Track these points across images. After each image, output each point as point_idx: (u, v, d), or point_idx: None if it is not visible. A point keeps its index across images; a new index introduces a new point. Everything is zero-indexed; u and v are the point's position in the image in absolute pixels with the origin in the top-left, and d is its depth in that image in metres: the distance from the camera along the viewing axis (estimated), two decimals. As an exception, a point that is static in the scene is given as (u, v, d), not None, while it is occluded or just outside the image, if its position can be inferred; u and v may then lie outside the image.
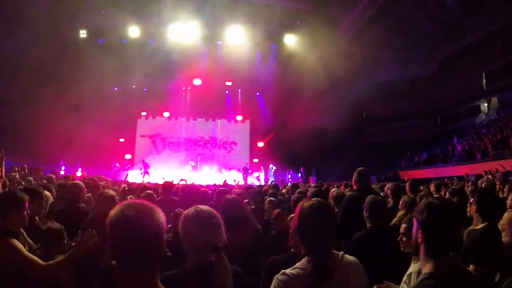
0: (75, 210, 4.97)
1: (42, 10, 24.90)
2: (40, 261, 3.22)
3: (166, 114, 29.68)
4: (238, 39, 25.59)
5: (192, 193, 6.00)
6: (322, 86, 23.96)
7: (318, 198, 2.55)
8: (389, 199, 6.84)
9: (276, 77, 28.10)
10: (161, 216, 1.71)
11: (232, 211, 3.86)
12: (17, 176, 8.68)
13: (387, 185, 8.30)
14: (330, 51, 24.25)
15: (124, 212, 1.65)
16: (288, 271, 2.28)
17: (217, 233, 2.36)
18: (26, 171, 11.56)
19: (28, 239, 3.67)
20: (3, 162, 5.83)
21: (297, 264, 2.33)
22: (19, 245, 3.23)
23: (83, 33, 25.74)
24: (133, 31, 25.28)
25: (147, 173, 24.23)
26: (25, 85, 25.26)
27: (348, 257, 2.44)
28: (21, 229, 3.51)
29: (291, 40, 26.13)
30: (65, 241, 3.71)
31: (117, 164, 25.39)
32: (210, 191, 8.26)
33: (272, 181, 16.97)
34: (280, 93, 28.08)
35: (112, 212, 1.67)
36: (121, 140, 28.44)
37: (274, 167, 25.87)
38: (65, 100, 23.68)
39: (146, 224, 1.64)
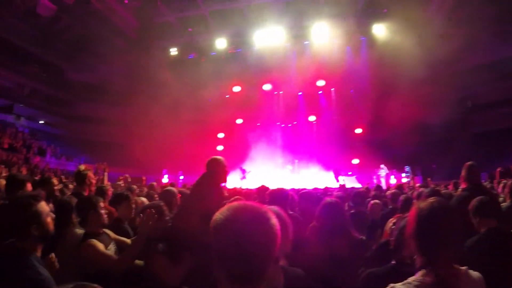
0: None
1: (134, 37, 26.86)
2: (114, 256, 3.46)
3: (260, 120, 29.75)
4: (325, 36, 25.16)
5: (279, 196, 5.64)
6: (419, 74, 22.44)
7: (437, 197, 2.16)
8: (504, 197, 5.82)
9: (369, 71, 26.99)
10: (276, 221, 1.46)
11: (327, 218, 3.68)
12: (122, 185, 9.16)
13: (503, 182, 7.06)
14: (423, 35, 22.91)
15: (234, 215, 1.41)
16: (398, 286, 1.96)
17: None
18: (129, 180, 12.12)
19: (117, 236, 3.95)
20: (106, 173, 6.92)
21: (411, 279, 1.98)
22: (99, 244, 3.43)
23: (173, 51, 27.07)
24: (221, 43, 26.10)
25: (245, 177, 24.38)
26: (128, 105, 27.75)
27: (473, 273, 2.05)
28: (105, 230, 3.80)
29: (380, 30, 25.02)
30: None
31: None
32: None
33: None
34: (375, 88, 26.87)
35: (219, 214, 1.44)
36: (219, 148, 28.97)
37: (385, 168, 24.19)
38: (165, 114, 25.47)
39: (260, 230, 1.40)
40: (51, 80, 34.14)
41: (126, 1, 26.42)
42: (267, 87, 28.76)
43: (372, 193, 7.73)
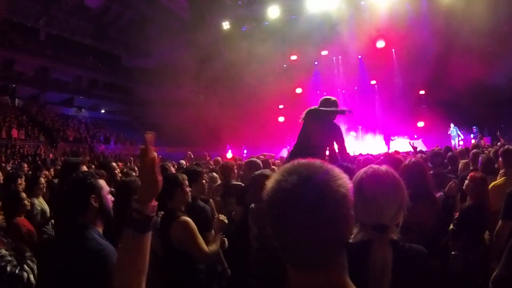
0: (230, 186, 5.11)
1: (185, 16, 26.79)
2: (206, 247, 3.30)
3: (320, 88, 28.89)
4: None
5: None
6: (485, 30, 20.83)
7: None
8: None
9: (430, 29, 25.41)
10: (348, 182, 1.06)
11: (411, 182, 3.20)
12: (186, 163, 9.12)
13: None
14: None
15: (300, 175, 1.03)
16: None
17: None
18: (192, 157, 12.17)
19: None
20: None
21: None
22: (194, 225, 3.29)
23: (226, 25, 26.72)
24: (273, 11, 25.41)
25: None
26: (186, 86, 28.02)
27: None
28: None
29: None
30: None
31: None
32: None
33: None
34: (437, 46, 25.29)
35: (274, 180, 1.07)
36: (281, 119, 28.69)
37: (456, 128, 22.93)
38: (224, 90, 25.60)
39: (328, 196, 1.01)
40: (108, 69, 35.00)
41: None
42: (324, 53, 27.50)
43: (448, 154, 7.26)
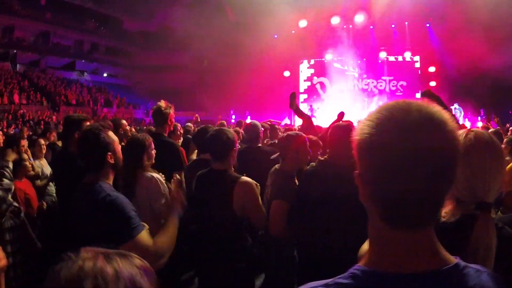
0: (255, 149, 4.84)
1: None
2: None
3: (329, 56, 28.22)
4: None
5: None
6: (501, 13, 20.11)
7: None
8: None
9: (446, 4, 24.48)
10: (455, 127, 0.89)
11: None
12: (192, 126, 9.13)
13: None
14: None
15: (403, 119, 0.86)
16: None
17: None
18: (199, 120, 12.30)
19: None
20: None
21: None
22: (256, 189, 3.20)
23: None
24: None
25: (314, 116, 23.96)
26: (188, 50, 27.77)
27: None
28: None
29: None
30: None
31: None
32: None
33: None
34: (452, 23, 24.42)
35: (365, 125, 0.90)
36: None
37: (460, 108, 22.58)
38: (227, 54, 25.30)
39: (455, 141, 0.88)
40: (110, 33, 34.72)
41: None
42: (335, 20, 26.37)
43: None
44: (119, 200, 2.26)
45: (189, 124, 9.58)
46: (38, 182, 4.92)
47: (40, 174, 5.06)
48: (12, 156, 4.37)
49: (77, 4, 32.02)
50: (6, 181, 3.35)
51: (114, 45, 35.29)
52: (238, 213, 3.04)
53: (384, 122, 0.87)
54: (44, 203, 4.54)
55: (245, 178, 3.14)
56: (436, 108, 0.88)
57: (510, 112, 23.03)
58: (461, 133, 1.46)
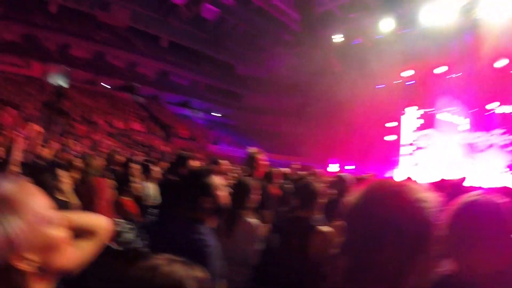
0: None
1: (297, 29, 27.38)
2: None
3: (435, 107, 26.25)
4: (498, 9, 21.93)
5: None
6: None
7: None
8: None
9: None
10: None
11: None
12: (291, 173, 9.36)
13: None
14: None
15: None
16: None
17: None
18: (300, 168, 12.40)
19: None
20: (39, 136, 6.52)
21: None
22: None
23: (338, 38, 26.68)
24: (386, 25, 24.90)
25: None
26: (295, 96, 28.62)
27: None
28: None
29: None
30: None
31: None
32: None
33: None
34: None
35: None
36: (390, 138, 27.27)
37: None
38: (332, 103, 25.59)
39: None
40: (223, 76, 37.17)
41: (285, -5, 27.15)
42: (439, 70, 25.32)
43: None
44: (211, 249, 2.28)
45: (286, 169, 9.84)
46: (144, 202, 5.43)
47: (146, 195, 5.65)
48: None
49: (195, 49, 35.06)
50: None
51: (226, 87, 37.53)
52: (314, 260, 3.07)
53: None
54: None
55: (325, 227, 3.17)
56: None
57: None
58: None
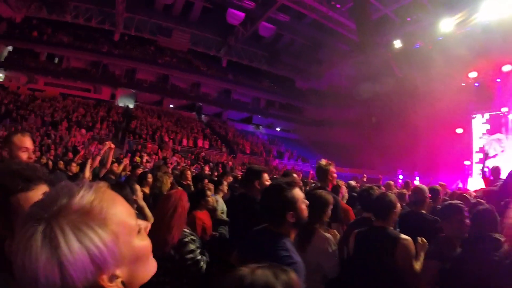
0: (418, 214, 4.78)
1: (354, 38, 27.15)
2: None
3: (505, 109, 24.98)
4: None
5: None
6: None
7: None
8: None
9: None
10: None
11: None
12: (356, 184, 9.34)
13: None
14: None
15: None
16: None
17: None
18: (365, 180, 12.33)
19: None
20: (112, 152, 6.46)
21: None
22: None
23: (397, 43, 26.02)
24: (445, 25, 23.98)
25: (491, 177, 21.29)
26: (356, 106, 28.25)
27: None
28: None
29: None
30: None
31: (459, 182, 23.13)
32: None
33: None
34: None
35: None
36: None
37: None
38: (395, 111, 24.99)
39: None
40: (283, 91, 37.73)
41: (338, 6, 26.93)
42: (507, 68, 23.30)
43: None
44: (296, 267, 2.23)
45: (351, 182, 9.87)
46: (219, 213, 5.47)
47: (216, 207, 5.63)
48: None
49: (253, 66, 36.12)
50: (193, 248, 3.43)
51: (287, 102, 38.04)
52: (396, 269, 3.19)
53: None
54: (217, 234, 4.91)
55: (405, 236, 3.29)
56: None
57: None
58: None
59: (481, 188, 7.30)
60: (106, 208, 0.86)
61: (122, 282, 0.88)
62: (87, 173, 6.12)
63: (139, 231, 0.95)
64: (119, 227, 0.87)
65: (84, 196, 0.85)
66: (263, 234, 2.47)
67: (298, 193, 2.49)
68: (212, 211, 5.28)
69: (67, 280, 0.78)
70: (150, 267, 0.98)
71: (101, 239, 0.82)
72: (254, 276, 1.09)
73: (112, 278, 0.85)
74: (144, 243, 0.95)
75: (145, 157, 11.34)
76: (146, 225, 0.99)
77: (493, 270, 2.72)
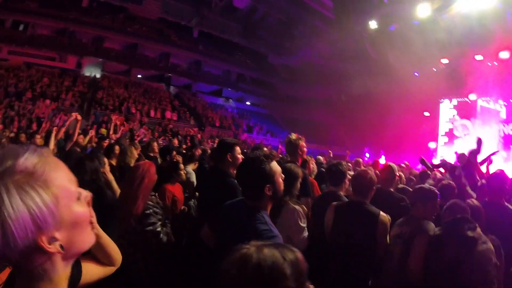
0: (386, 193, 4.65)
1: (330, 16, 26.91)
2: None
3: (472, 96, 24.91)
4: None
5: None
6: None
7: None
8: None
9: None
10: None
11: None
12: (324, 160, 9.33)
13: None
14: None
15: None
16: None
17: None
18: (331, 155, 12.44)
19: None
20: (78, 124, 6.69)
21: None
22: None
23: (373, 24, 25.92)
24: (423, 10, 24.05)
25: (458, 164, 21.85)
26: (327, 84, 28.30)
27: None
28: None
29: None
30: None
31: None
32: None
33: None
34: None
35: None
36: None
37: None
38: (365, 91, 24.90)
39: None
40: (255, 65, 37.32)
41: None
42: (479, 57, 23.61)
43: None
44: (277, 240, 2.19)
45: (319, 157, 9.83)
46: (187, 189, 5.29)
47: (190, 182, 5.55)
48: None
49: (226, 38, 35.20)
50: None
51: (258, 77, 37.79)
52: (374, 244, 3.30)
53: None
54: (186, 208, 4.84)
55: (384, 213, 3.35)
56: None
57: None
58: None
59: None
60: (48, 171, 0.89)
61: (61, 246, 0.91)
62: (51, 145, 5.86)
63: (78, 198, 0.97)
64: (59, 191, 0.90)
65: (28, 158, 0.88)
66: (239, 208, 2.45)
67: (276, 166, 2.47)
68: (189, 185, 5.29)
69: (8, 237, 0.82)
70: (88, 236, 1.01)
71: (42, 200, 0.86)
72: (260, 255, 1.04)
73: (51, 240, 0.89)
74: (83, 209, 0.98)
75: (114, 122, 10.92)
76: (86, 194, 1.01)
77: (470, 250, 2.89)
